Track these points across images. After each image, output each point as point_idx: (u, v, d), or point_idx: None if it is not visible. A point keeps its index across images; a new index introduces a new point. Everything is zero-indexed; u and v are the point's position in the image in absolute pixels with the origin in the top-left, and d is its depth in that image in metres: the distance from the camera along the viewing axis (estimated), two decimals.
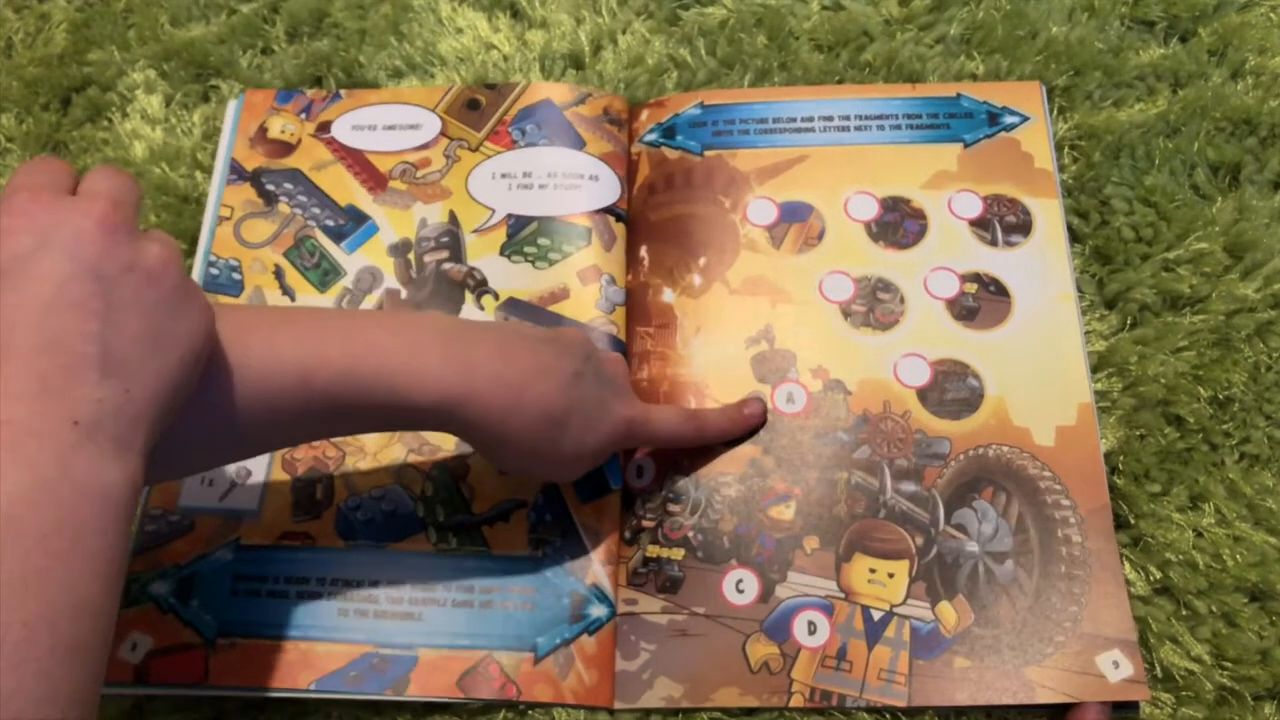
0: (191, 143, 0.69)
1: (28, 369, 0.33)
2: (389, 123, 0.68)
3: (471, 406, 0.45)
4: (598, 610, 0.53)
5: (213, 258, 0.64)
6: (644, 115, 0.67)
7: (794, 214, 0.62)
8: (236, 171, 0.66)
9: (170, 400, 0.37)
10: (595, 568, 0.54)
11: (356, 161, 0.66)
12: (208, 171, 0.68)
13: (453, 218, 0.64)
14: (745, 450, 0.56)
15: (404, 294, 0.62)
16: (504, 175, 0.65)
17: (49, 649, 0.30)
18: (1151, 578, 0.53)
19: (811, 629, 0.52)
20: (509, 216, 0.64)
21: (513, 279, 0.62)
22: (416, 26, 0.72)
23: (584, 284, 0.61)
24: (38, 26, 0.76)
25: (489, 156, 0.66)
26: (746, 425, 0.57)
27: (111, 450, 0.34)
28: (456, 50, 0.71)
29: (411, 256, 0.63)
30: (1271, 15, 0.67)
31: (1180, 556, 0.53)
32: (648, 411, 0.53)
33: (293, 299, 0.62)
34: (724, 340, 0.59)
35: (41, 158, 0.39)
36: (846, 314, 0.59)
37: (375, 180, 0.66)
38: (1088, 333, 0.59)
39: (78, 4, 0.77)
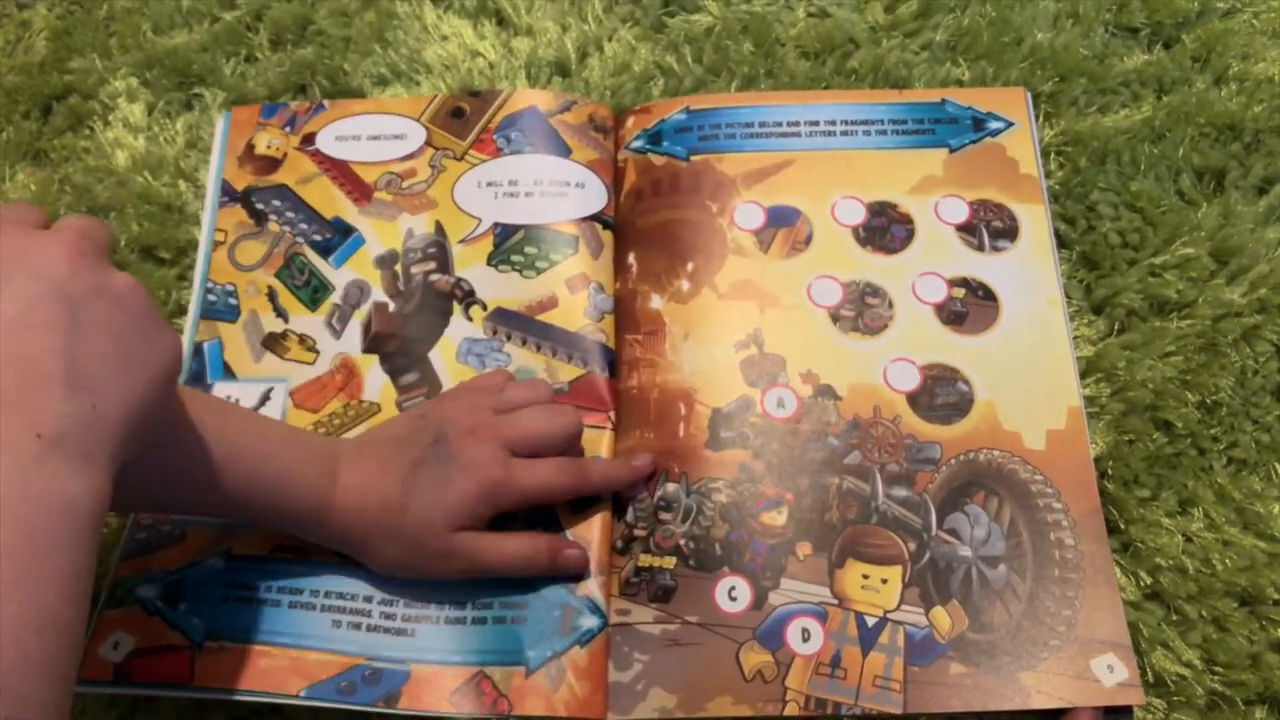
0: (174, 151, 0.69)
1: None
2: (373, 133, 0.67)
3: (332, 516, 0.50)
4: (589, 621, 0.53)
5: (210, 284, 0.63)
6: (630, 122, 0.66)
7: (781, 218, 0.62)
8: (228, 193, 0.66)
9: (139, 422, 0.37)
10: (586, 578, 0.54)
11: (341, 173, 0.66)
12: (191, 181, 0.67)
13: (439, 228, 0.64)
14: (735, 455, 0.56)
15: (392, 306, 0.62)
16: (490, 184, 0.65)
17: (13, 665, 0.30)
18: (1142, 583, 0.53)
19: (805, 636, 0.52)
20: (495, 225, 0.63)
21: (501, 288, 0.62)
22: (401, 34, 0.72)
23: (572, 292, 0.61)
24: (18, 34, 0.75)
25: (474, 165, 0.65)
26: (635, 476, 0.56)
27: (76, 464, 0.34)
28: (442, 58, 0.70)
29: (399, 268, 0.63)
30: (1254, 22, 0.68)
31: (1170, 561, 0.53)
32: (510, 472, 0.52)
33: (286, 320, 0.62)
34: (713, 345, 0.59)
35: (14, 203, 0.41)
36: (835, 318, 0.59)
37: (360, 191, 0.65)
38: (1075, 338, 0.59)
39: (59, 11, 0.76)
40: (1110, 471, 0.56)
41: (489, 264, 0.62)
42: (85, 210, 0.67)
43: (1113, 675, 0.50)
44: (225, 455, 0.46)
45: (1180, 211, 0.62)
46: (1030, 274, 0.60)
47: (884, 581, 0.53)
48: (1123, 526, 0.54)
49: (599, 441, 0.57)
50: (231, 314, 0.62)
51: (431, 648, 0.52)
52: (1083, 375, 0.58)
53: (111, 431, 0.36)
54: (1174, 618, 0.53)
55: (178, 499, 0.48)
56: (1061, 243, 0.62)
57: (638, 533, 0.55)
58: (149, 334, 0.38)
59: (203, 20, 0.74)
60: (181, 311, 0.63)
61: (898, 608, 0.52)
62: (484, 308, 0.61)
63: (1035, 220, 0.61)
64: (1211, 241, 0.60)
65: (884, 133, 0.64)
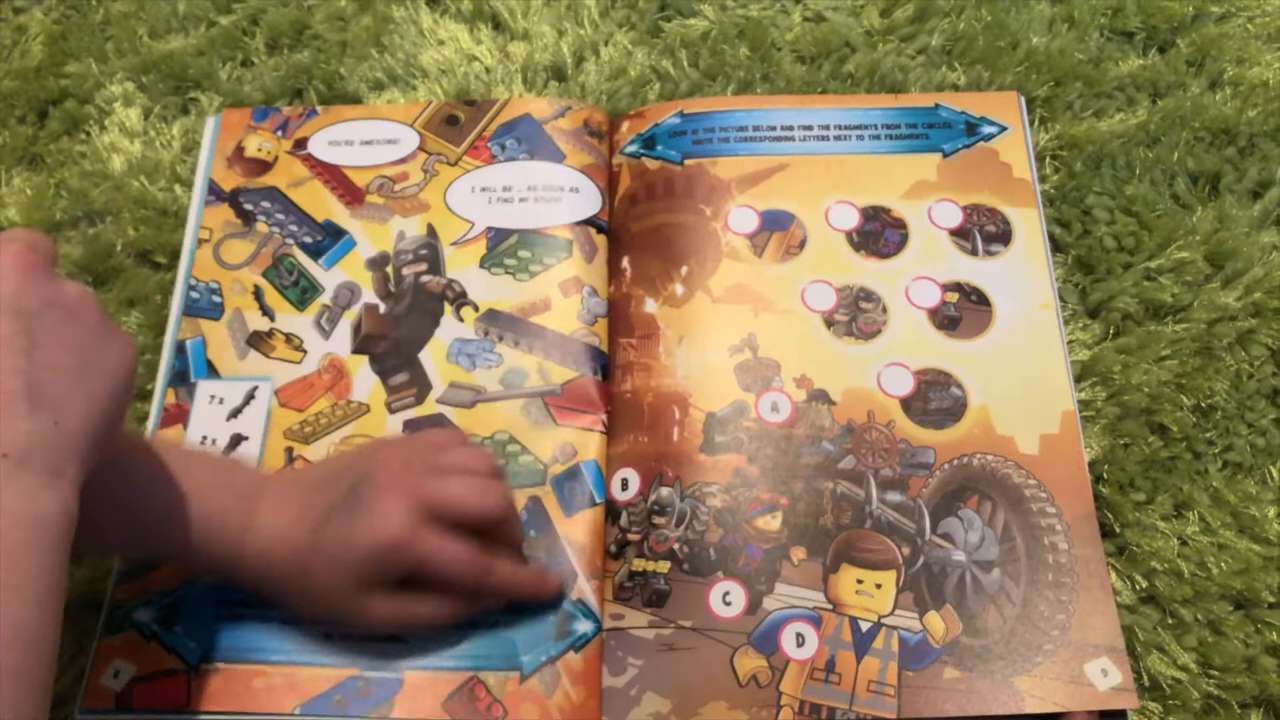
0: (171, 156, 0.69)
1: None
2: (366, 138, 0.67)
3: (243, 562, 0.49)
4: (583, 626, 0.53)
5: (193, 281, 0.63)
6: (624, 127, 0.67)
7: (775, 222, 0.62)
8: (215, 192, 0.66)
9: (101, 431, 0.38)
10: (580, 583, 0.54)
11: (333, 176, 0.66)
12: (187, 185, 0.67)
13: (431, 230, 0.64)
14: (729, 459, 0.56)
15: (382, 308, 0.62)
16: (483, 189, 0.65)
17: None
18: (1137, 586, 0.53)
19: (800, 641, 0.52)
20: (489, 230, 0.63)
21: (493, 291, 0.62)
22: (398, 38, 0.72)
23: (565, 295, 0.61)
24: (14, 39, 0.75)
25: (468, 171, 0.65)
26: (538, 589, 0.53)
27: (43, 480, 0.34)
28: (438, 62, 0.70)
29: (390, 270, 0.63)
30: (1249, 26, 0.68)
31: (1165, 565, 0.53)
32: (414, 536, 0.47)
33: (272, 319, 0.62)
34: (707, 350, 0.59)
35: None
36: (829, 323, 0.59)
37: (352, 195, 0.65)
38: (1071, 342, 0.59)
39: (55, 16, 0.76)
40: (1105, 475, 0.56)
41: (482, 266, 0.62)
42: (81, 215, 0.67)
43: (1107, 679, 0.50)
44: (149, 494, 0.46)
45: (1175, 215, 0.62)
46: (1023, 278, 0.60)
47: (878, 586, 0.53)
48: (1118, 530, 0.54)
49: (590, 444, 0.57)
50: (215, 311, 0.62)
51: (424, 654, 0.52)
52: (1078, 379, 0.58)
53: (75, 445, 0.36)
54: (1169, 621, 0.53)
55: (105, 539, 0.47)
56: (1057, 247, 0.62)
57: (631, 537, 0.55)
58: (103, 342, 0.39)
59: (199, 24, 0.74)
60: None
61: (892, 612, 0.52)
62: (475, 309, 0.61)
63: (1029, 224, 0.61)
64: (1206, 245, 0.61)
65: (878, 137, 0.64)
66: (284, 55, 0.73)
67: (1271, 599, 0.53)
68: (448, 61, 0.70)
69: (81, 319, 0.38)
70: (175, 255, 0.65)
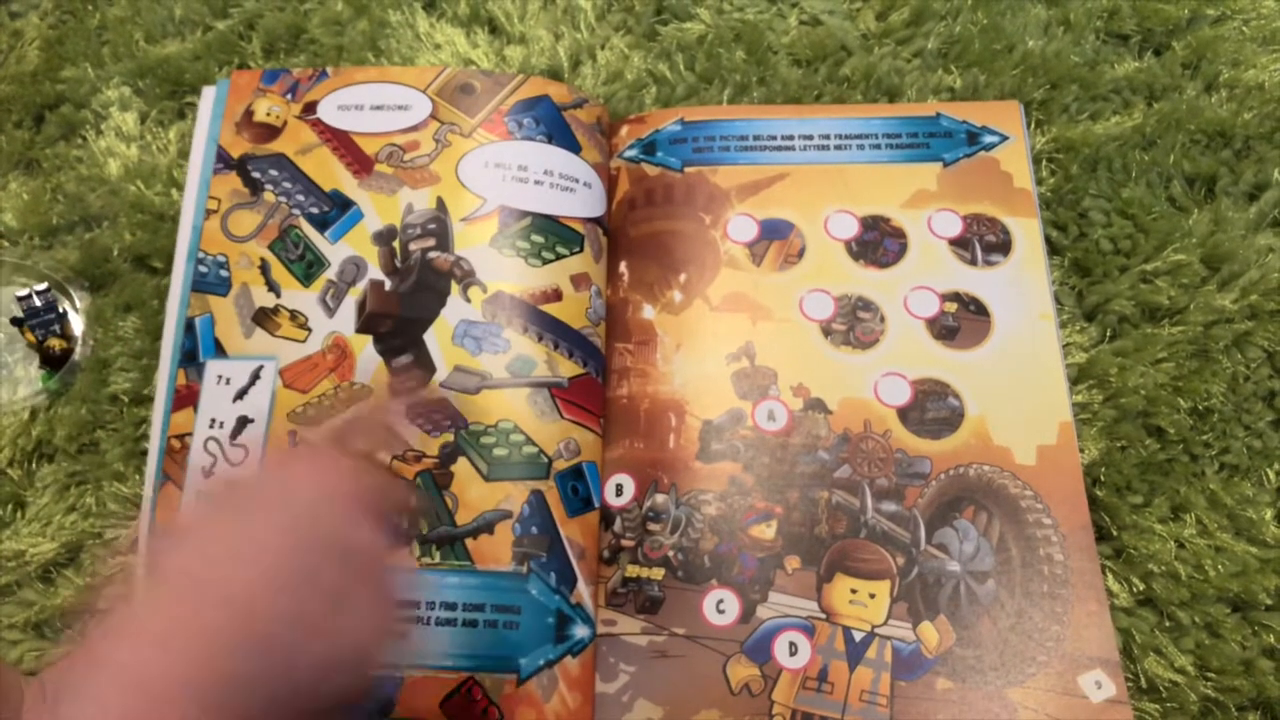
0: (167, 160, 0.69)
1: None
2: (376, 102, 0.65)
3: None
4: (581, 631, 0.53)
5: (201, 254, 0.62)
6: (624, 131, 0.66)
7: (774, 231, 0.62)
8: (223, 160, 0.64)
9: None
10: (580, 587, 0.54)
11: (342, 143, 0.64)
12: (184, 189, 0.67)
13: (440, 204, 0.62)
14: (725, 467, 0.56)
15: (388, 284, 0.60)
16: (498, 165, 0.63)
17: None
18: (1134, 589, 0.53)
19: (793, 650, 0.52)
20: (501, 208, 0.62)
21: (503, 272, 0.60)
22: (394, 42, 0.71)
23: (576, 290, 0.60)
24: (10, 43, 0.75)
25: (482, 144, 0.64)
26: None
27: None
28: (435, 66, 0.70)
29: (396, 244, 0.61)
30: (1244, 29, 0.68)
31: (1162, 568, 0.53)
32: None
33: (278, 295, 0.61)
34: (705, 357, 0.59)
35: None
36: (827, 332, 0.59)
37: (361, 163, 0.64)
38: (1068, 345, 0.59)
39: (51, 21, 0.76)
40: (1103, 478, 0.56)
41: (492, 245, 0.61)
42: (77, 219, 0.67)
43: (1100, 692, 0.50)
44: None
45: (1171, 218, 0.62)
46: (1022, 289, 0.60)
47: (872, 596, 0.53)
48: (1115, 533, 0.55)
49: (590, 445, 0.57)
50: (223, 287, 0.61)
51: (424, 652, 0.52)
52: (1075, 382, 0.58)
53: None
54: (1167, 624, 0.53)
55: None
56: (1053, 249, 0.62)
57: (625, 543, 0.55)
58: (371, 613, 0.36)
59: (195, 29, 0.74)
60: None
61: (885, 622, 0.52)
62: (484, 290, 0.60)
63: (1029, 234, 0.61)
64: (1203, 248, 0.60)
65: (878, 146, 0.64)
66: (280, 60, 0.72)
67: (1269, 601, 0.53)
68: (444, 65, 0.70)
69: (370, 577, 0.35)
70: (173, 260, 0.65)
